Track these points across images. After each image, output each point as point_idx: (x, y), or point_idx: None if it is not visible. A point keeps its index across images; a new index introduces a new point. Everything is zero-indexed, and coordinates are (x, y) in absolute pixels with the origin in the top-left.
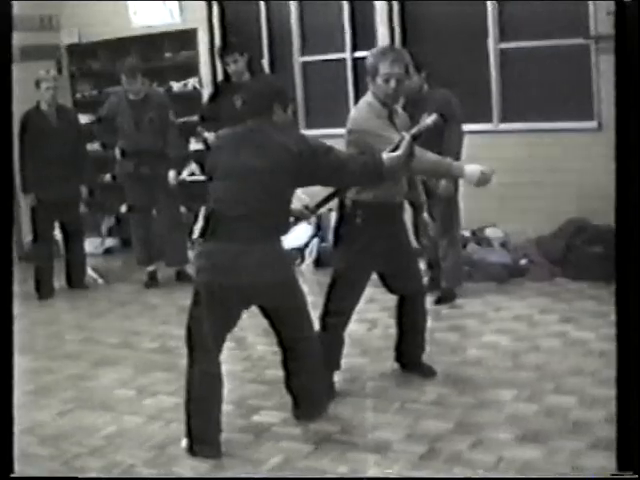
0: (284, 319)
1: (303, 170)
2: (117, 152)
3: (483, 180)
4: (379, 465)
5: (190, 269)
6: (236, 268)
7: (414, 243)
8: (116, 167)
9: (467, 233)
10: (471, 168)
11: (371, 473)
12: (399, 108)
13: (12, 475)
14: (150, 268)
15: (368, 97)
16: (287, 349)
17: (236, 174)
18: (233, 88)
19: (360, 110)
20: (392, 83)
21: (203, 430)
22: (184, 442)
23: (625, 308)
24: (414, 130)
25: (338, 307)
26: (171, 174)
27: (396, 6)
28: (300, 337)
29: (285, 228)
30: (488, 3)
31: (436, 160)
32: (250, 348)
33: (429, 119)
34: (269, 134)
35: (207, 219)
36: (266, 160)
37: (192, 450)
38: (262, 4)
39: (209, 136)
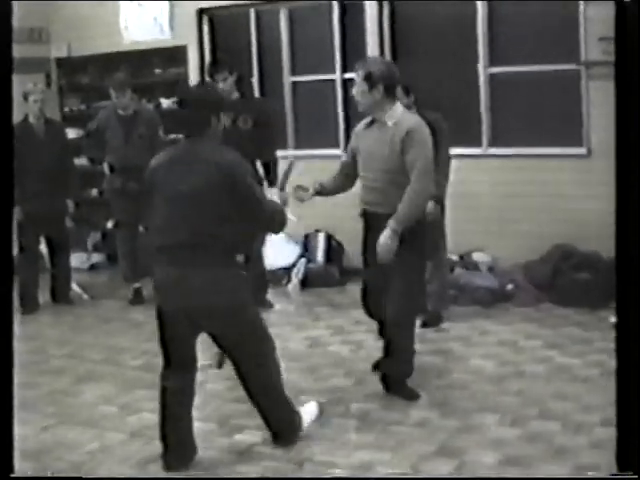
0: (233, 347)
1: (229, 191)
2: (105, 167)
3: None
4: None
5: None
6: (176, 292)
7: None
8: (104, 182)
9: (454, 257)
10: None
11: None
12: (393, 119)
13: (12, 475)
14: (136, 285)
15: None
16: (244, 380)
17: (170, 198)
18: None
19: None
20: (353, 90)
21: (175, 445)
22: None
23: (624, 312)
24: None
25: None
26: None
27: (387, 29)
28: (252, 367)
29: (231, 249)
30: (479, 27)
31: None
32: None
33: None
34: (202, 153)
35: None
36: (198, 181)
37: (165, 462)
38: (253, 22)
39: None
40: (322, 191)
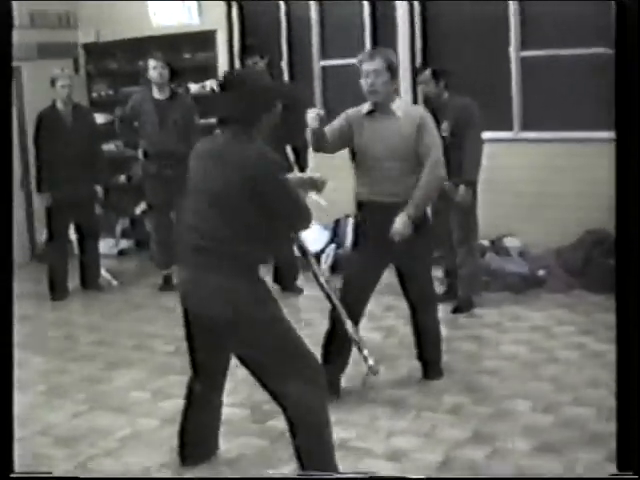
0: (256, 368)
1: (258, 192)
2: (140, 153)
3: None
4: (395, 472)
5: None
6: (189, 296)
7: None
8: (133, 168)
9: (485, 242)
10: None
11: None
12: (401, 110)
13: (12, 475)
14: (166, 271)
15: None
16: (279, 404)
17: (198, 193)
18: None
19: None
20: (369, 78)
21: (189, 444)
22: None
23: (624, 312)
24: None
25: (347, 307)
26: None
27: (418, 13)
28: (283, 392)
29: (251, 259)
30: (511, 10)
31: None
32: None
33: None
34: (234, 148)
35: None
36: (223, 179)
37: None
38: (282, 6)
39: None
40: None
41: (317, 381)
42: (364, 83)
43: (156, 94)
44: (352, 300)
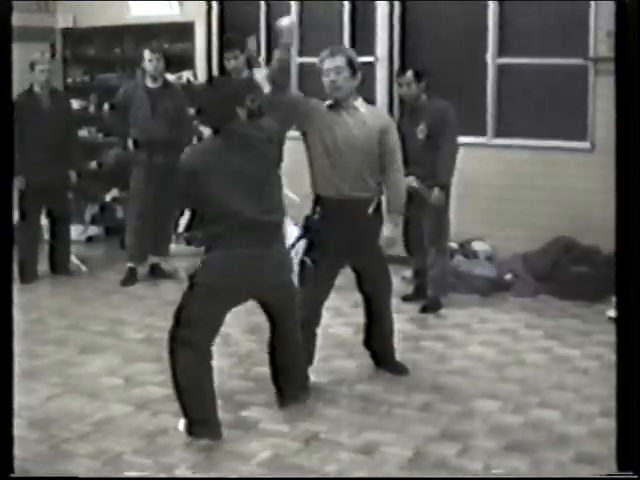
0: (279, 312)
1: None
2: (130, 143)
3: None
4: (366, 466)
5: (165, 265)
6: (253, 273)
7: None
8: (105, 155)
9: (454, 245)
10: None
11: (359, 474)
12: (364, 106)
13: (12, 475)
14: (132, 264)
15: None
16: (276, 339)
17: (234, 179)
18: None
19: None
20: (331, 75)
21: (199, 412)
22: (181, 424)
23: (625, 312)
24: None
25: (309, 300)
26: None
27: (397, 15)
28: (290, 332)
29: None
30: (489, 18)
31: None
32: (236, 345)
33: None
34: (245, 131)
35: (211, 223)
36: (256, 160)
37: (191, 432)
38: (262, 4)
39: (204, 130)
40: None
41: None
42: (326, 81)
43: (149, 83)
44: (310, 300)
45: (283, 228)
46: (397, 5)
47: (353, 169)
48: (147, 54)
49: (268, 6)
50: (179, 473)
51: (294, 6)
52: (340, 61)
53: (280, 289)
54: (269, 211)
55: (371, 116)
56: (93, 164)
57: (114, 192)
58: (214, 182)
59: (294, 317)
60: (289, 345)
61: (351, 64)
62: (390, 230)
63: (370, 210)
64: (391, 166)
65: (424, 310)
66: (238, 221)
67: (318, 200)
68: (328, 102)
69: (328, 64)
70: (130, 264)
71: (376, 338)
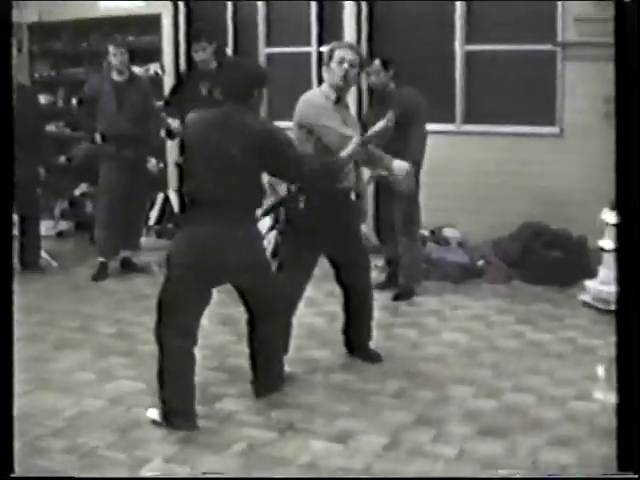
0: (255, 296)
1: (266, 156)
2: (97, 137)
3: (408, 177)
4: (342, 455)
5: (137, 259)
6: (217, 250)
7: (372, 239)
8: (73, 150)
9: (426, 232)
10: (398, 163)
11: (335, 463)
12: (348, 104)
13: (12, 475)
14: (103, 259)
15: (322, 86)
16: (255, 327)
17: (210, 159)
18: (199, 75)
19: (309, 97)
20: (345, 65)
21: (178, 402)
22: (154, 413)
23: (625, 311)
24: (366, 135)
25: (284, 291)
26: (153, 161)
27: (365, 4)
28: (269, 317)
29: (257, 210)
30: (457, 5)
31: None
32: (210, 337)
33: (380, 123)
34: (240, 117)
35: (184, 203)
36: (238, 143)
37: (167, 420)
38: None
39: (173, 123)
40: None
41: (285, 309)
42: (337, 69)
43: (115, 76)
44: (290, 288)
45: (256, 211)
46: None
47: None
48: (111, 49)
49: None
50: (154, 466)
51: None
52: (355, 57)
53: (252, 270)
54: (241, 192)
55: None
56: (62, 159)
57: (83, 187)
58: (198, 152)
59: (272, 305)
60: (268, 335)
61: (362, 63)
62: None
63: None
64: None
65: (397, 298)
66: (207, 197)
67: (299, 191)
68: (332, 96)
69: (344, 53)
70: (101, 259)
71: (355, 328)
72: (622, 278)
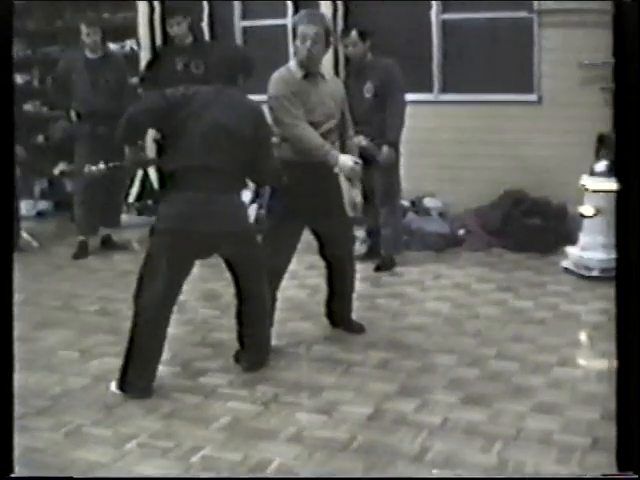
0: (244, 269)
1: (258, 129)
2: (72, 114)
3: (354, 173)
4: (326, 426)
5: (117, 236)
6: (202, 216)
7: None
8: (51, 129)
9: (406, 203)
10: (344, 158)
11: (319, 434)
12: (326, 73)
13: (12, 475)
14: (81, 237)
15: (291, 61)
16: (243, 300)
17: (206, 130)
18: (174, 50)
19: (276, 75)
20: (307, 43)
21: (137, 378)
22: (113, 384)
23: (625, 304)
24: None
25: (269, 264)
26: None
27: None
28: (256, 290)
29: (245, 183)
30: None
31: (318, 144)
32: (192, 312)
33: (362, 141)
34: (236, 95)
35: (170, 172)
36: (235, 118)
37: (122, 390)
38: None
39: None
40: None
41: (270, 283)
42: (300, 47)
43: (88, 54)
44: (274, 262)
45: (243, 186)
46: None
47: (325, 135)
48: (83, 27)
49: None
50: (140, 442)
51: None
52: (318, 29)
53: (238, 239)
54: (227, 161)
55: (332, 81)
56: (40, 138)
57: (62, 166)
58: (189, 123)
59: (259, 278)
60: (256, 309)
61: (327, 35)
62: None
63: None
64: (350, 126)
65: (378, 269)
66: (192, 164)
67: (284, 164)
68: (299, 72)
69: (306, 29)
70: (81, 237)
71: (338, 300)
72: (621, 246)
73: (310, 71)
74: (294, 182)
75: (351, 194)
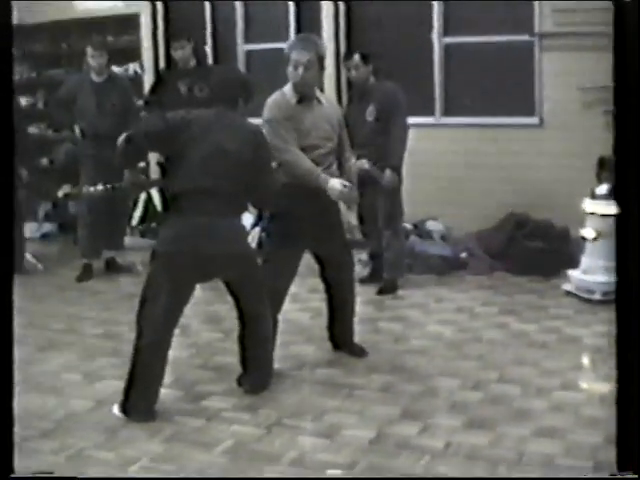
0: (245, 292)
1: (257, 152)
2: (77, 131)
3: (344, 196)
4: (329, 450)
5: (121, 258)
6: (202, 239)
7: (356, 234)
8: (55, 151)
9: (408, 226)
10: (332, 182)
11: (321, 457)
12: (323, 97)
13: (12, 475)
14: (87, 261)
15: (286, 86)
16: (246, 323)
17: (206, 154)
18: (178, 74)
19: (270, 99)
20: (299, 70)
21: (139, 399)
22: (116, 407)
23: (625, 308)
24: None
25: (270, 287)
26: None
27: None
28: (258, 312)
29: (246, 206)
30: None
31: (307, 168)
32: (195, 335)
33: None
34: (237, 119)
35: (172, 195)
36: (236, 142)
37: (126, 413)
38: None
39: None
40: None
41: (270, 304)
42: (293, 74)
43: (94, 77)
44: (276, 285)
45: (243, 209)
46: None
47: (320, 158)
48: (89, 50)
49: None
50: (142, 465)
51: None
52: (311, 55)
53: (239, 263)
54: (227, 185)
55: (330, 106)
56: (44, 161)
57: (66, 188)
58: (189, 147)
59: (261, 300)
60: (258, 333)
61: (320, 59)
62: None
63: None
64: (346, 151)
65: (381, 292)
66: (193, 187)
67: (284, 188)
68: (293, 97)
69: (297, 56)
70: (85, 260)
71: (339, 323)
72: (621, 269)
73: (304, 96)
74: (294, 205)
75: (347, 217)
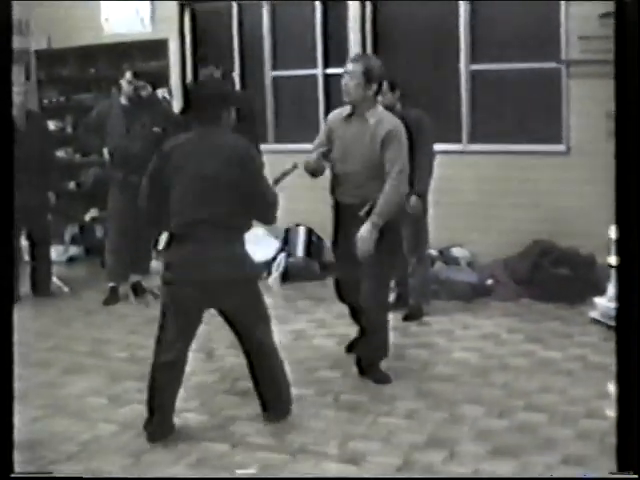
0: (249, 319)
1: (246, 170)
2: (106, 154)
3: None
4: (355, 476)
5: (147, 283)
6: (198, 266)
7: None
8: (83, 175)
9: (434, 252)
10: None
11: None
12: (376, 116)
13: (12, 475)
14: (113, 284)
15: None
16: (250, 355)
17: (190, 182)
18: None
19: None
20: (345, 78)
21: (157, 414)
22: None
23: (625, 312)
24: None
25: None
26: None
27: (369, 26)
28: (265, 340)
29: (243, 228)
30: (461, 25)
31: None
32: (220, 360)
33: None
34: (219, 137)
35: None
36: (217, 164)
37: (146, 429)
38: (235, 16)
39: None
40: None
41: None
42: (342, 83)
43: (123, 100)
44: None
45: (241, 232)
46: (369, 13)
47: (355, 178)
48: (128, 75)
49: (240, 18)
50: None
51: (266, 20)
52: (356, 67)
53: (236, 286)
54: (217, 212)
55: (378, 127)
56: (72, 184)
57: (93, 212)
58: (174, 177)
59: (267, 327)
60: (267, 366)
61: (366, 72)
62: (366, 230)
63: (361, 213)
64: (387, 175)
65: (407, 318)
66: (183, 219)
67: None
68: (346, 111)
69: (347, 67)
70: (111, 283)
71: (364, 346)
72: (622, 294)
73: (354, 110)
74: (336, 220)
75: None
